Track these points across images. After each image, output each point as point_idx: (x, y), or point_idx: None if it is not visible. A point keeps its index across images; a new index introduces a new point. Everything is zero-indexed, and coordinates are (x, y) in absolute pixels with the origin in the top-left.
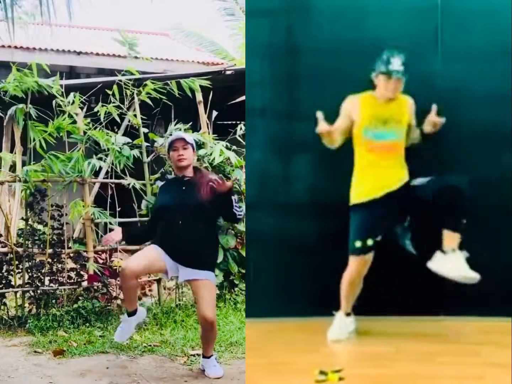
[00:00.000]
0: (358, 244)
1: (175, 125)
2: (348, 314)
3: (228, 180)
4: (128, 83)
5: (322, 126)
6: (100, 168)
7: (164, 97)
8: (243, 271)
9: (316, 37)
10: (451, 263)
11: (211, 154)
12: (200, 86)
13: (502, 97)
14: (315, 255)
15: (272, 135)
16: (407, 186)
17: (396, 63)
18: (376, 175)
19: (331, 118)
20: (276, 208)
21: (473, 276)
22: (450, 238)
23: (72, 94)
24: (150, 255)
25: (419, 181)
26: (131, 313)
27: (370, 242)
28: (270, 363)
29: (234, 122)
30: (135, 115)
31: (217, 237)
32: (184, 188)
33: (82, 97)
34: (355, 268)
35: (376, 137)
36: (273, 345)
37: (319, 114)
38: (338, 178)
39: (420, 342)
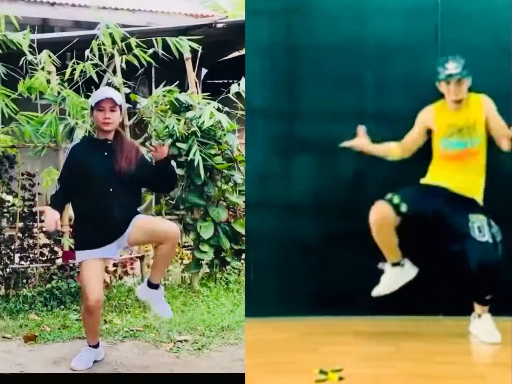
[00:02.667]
0: (396, 199)
1: (164, 86)
2: (394, 264)
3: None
4: (109, 37)
5: (359, 141)
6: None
7: (147, 53)
8: (236, 247)
9: (317, 36)
10: (484, 328)
11: (200, 117)
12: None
13: (502, 97)
14: (316, 255)
15: (272, 135)
16: (471, 203)
17: (452, 67)
18: (450, 179)
19: (332, 117)
20: (276, 208)
21: (497, 340)
22: (480, 309)
23: (45, 50)
24: (98, 272)
25: (479, 219)
26: (93, 347)
27: (404, 208)
28: (270, 363)
29: (226, 81)
30: (115, 74)
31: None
32: (106, 153)
33: (55, 54)
34: (379, 212)
35: (451, 146)
36: (273, 345)
37: (361, 129)
38: (338, 178)
39: (420, 342)
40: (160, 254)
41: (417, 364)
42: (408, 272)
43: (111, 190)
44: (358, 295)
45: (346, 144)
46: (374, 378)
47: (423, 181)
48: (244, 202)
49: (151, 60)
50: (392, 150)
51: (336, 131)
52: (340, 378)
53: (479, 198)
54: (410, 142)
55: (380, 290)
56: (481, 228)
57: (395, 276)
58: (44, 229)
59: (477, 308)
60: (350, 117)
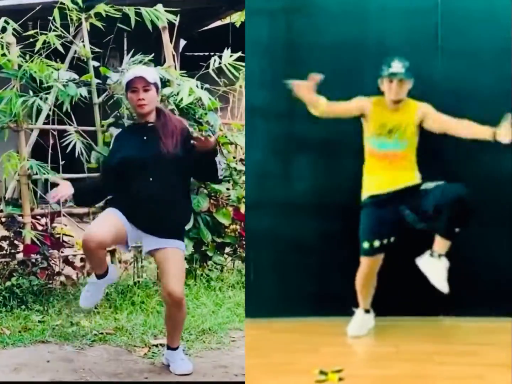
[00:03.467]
0: (365, 245)
1: (132, 56)
2: (367, 311)
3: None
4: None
5: (304, 84)
6: (40, 110)
7: (118, 17)
8: (219, 240)
9: (317, 36)
10: (434, 267)
11: (177, 94)
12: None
13: (502, 97)
14: (316, 255)
15: (272, 135)
16: (415, 189)
17: (396, 66)
18: (383, 175)
19: (332, 117)
20: (276, 208)
21: (443, 287)
22: (441, 244)
23: (3, 19)
24: (115, 221)
25: (426, 185)
26: (101, 276)
27: (377, 243)
28: (270, 363)
29: (206, 53)
30: (83, 44)
31: (190, 198)
32: (145, 138)
33: (16, 23)
34: (365, 268)
35: (380, 146)
36: (273, 345)
37: (315, 77)
38: (338, 178)
39: (420, 342)
40: (167, 316)
41: (417, 365)
42: (372, 321)
43: (150, 179)
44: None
45: (294, 82)
46: (374, 378)
47: (368, 193)
48: (227, 189)
49: (122, 26)
50: (320, 104)
51: (336, 131)
52: (340, 379)
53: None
54: (341, 107)
55: (353, 331)
56: (430, 185)
57: (365, 322)
58: (51, 192)
59: (440, 244)
60: (350, 117)
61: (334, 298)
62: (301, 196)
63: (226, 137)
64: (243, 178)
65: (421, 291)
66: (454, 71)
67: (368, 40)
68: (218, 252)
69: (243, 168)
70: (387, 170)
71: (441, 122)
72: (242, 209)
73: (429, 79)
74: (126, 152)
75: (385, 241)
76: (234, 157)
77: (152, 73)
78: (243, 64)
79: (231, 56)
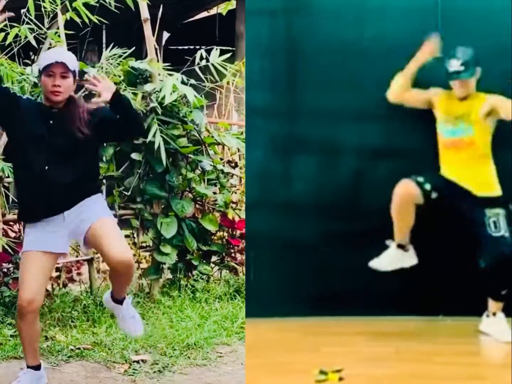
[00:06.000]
0: (420, 178)
1: (111, 49)
2: (400, 246)
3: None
4: None
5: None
6: None
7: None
8: (204, 248)
9: (317, 36)
10: (497, 326)
11: (160, 90)
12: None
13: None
14: (316, 255)
15: (272, 135)
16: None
17: (455, 64)
18: (451, 165)
19: (332, 117)
20: (276, 208)
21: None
22: (493, 305)
23: None
24: (40, 262)
25: (494, 213)
26: (35, 368)
27: (421, 179)
28: (270, 363)
29: (191, 47)
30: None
31: (98, 168)
32: (51, 122)
33: None
34: (402, 186)
35: (446, 134)
36: (273, 345)
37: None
38: (338, 178)
39: (420, 342)
40: (113, 277)
41: (417, 365)
42: (408, 259)
43: (46, 168)
44: (358, 295)
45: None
46: (374, 378)
47: (442, 172)
48: (214, 193)
49: (100, 19)
50: (407, 82)
51: (336, 131)
52: (340, 379)
53: (492, 191)
54: (414, 93)
55: (376, 264)
56: (496, 222)
57: (395, 257)
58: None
59: (492, 305)
60: (350, 117)
61: (334, 298)
62: (301, 196)
63: (212, 137)
64: (231, 181)
65: (421, 291)
66: None
67: (368, 40)
68: (204, 261)
69: (231, 170)
70: (454, 160)
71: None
72: (230, 214)
73: (429, 79)
74: (29, 130)
75: (433, 193)
76: (221, 159)
77: (73, 60)
78: (232, 62)
79: (220, 55)
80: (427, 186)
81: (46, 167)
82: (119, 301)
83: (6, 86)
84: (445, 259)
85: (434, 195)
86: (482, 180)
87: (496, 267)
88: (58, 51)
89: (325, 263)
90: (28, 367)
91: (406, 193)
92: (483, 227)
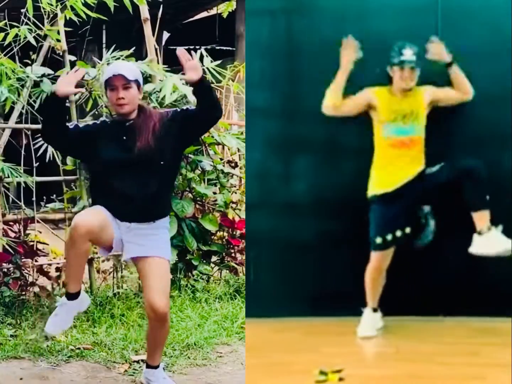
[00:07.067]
0: (378, 240)
1: (113, 51)
2: (375, 310)
3: None
4: None
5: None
6: (12, 108)
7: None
8: (205, 248)
9: (317, 36)
10: (493, 240)
11: (160, 90)
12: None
13: (502, 97)
14: (316, 255)
15: (272, 135)
16: (421, 176)
17: (408, 53)
18: (395, 169)
19: (332, 117)
20: (276, 208)
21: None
22: (481, 218)
23: None
24: (103, 215)
25: (432, 169)
26: (73, 296)
27: (389, 237)
28: (270, 363)
29: (192, 46)
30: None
31: (170, 192)
32: (125, 137)
33: None
34: (377, 264)
35: (396, 133)
36: (273, 345)
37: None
38: (338, 178)
39: (420, 342)
40: (149, 332)
41: (417, 365)
42: (378, 320)
43: (129, 180)
44: (359, 295)
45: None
46: (374, 378)
47: (376, 191)
48: (214, 193)
49: (99, 16)
50: (338, 97)
51: (336, 131)
52: (340, 379)
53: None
54: (349, 102)
55: (362, 332)
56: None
57: (374, 321)
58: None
59: (482, 218)
60: (350, 117)
61: (334, 298)
62: (301, 196)
63: (212, 137)
64: (231, 181)
65: (421, 291)
66: None
67: (368, 40)
68: (204, 261)
69: (231, 170)
70: (400, 162)
71: (448, 92)
72: (230, 214)
73: (429, 78)
74: (106, 153)
75: (398, 233)
76: (221, 159)
77: (132, 70)
78: (232, 62)
79: (220, 55)
80: (389, 237)
81: (129, 182)
82: (153, 367)
83: (73, 124)
84: (445, 259)
85: (408, 230)
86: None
87: (462, 177)
88: (115, 64)
89: (325, 263)
90: (67, 295)
91: (376, 267)
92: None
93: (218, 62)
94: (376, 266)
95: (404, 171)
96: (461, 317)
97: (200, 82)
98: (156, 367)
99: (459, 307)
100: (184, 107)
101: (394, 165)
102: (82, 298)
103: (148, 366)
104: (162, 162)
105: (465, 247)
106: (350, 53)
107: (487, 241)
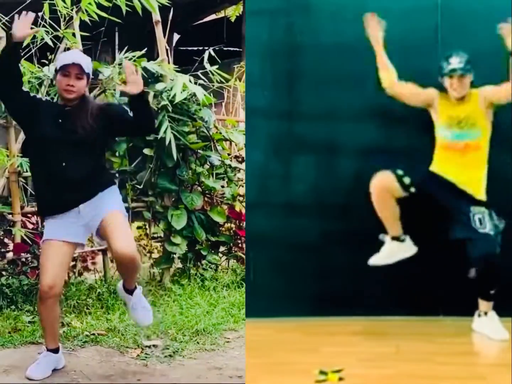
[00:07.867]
0: (400, 172)
1: (125, 52)
2: (395, 238)
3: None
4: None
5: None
6: None
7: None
8: (213, 239)
9: (317, 36)
10: (488, 325)
11: (171, 89)
12: (158, 3)
13: None
14: (316, 255)
15: (272, 135)
16: (470, 202)
17: (455, 61)
18: (447, 171)
19: (332, 117)
20: (276, 208)
21: (505, 337)
22: (483, 304)
23: None
24: (61, 251)
25: (480, 210)
26: (53, 351)
27: (400, 172)
28: (270, 363)
29: (201, 47)
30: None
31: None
32: (60, 120)
33: (3, 18)
34: (378, 178)
35: (451, 137)
36: (273, 345)
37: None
38: (338, 178)
39: (420, 342)
40: (119, 268)
41: (417, 365)
42: (407, 249)
43: (63, 164)
44: (359, 295)
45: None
46: (374, 378)
47: (431, 168)
48: (222, 187)
49: (113, 18)
50: (391, 72)
51: (336, 131)
52: (340, 379)
53: (481, 194)
54: (410, 88)
55: (377, 260)
56: (481, 220)
57: (392, 250)
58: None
59: (482, 305)
60: (350, 117)
61: (334, 298)
62: (301, 196)
63: (220, 133)
64: (238, 175)
65: (421, 291)
66: None
67: (368, 40)
68: (213, 251)
69: (238, 165)
70: (452, 166)
71: (500, 91)
72: (237, 207)
73: (429, 79)
74: (43, 130)
75: (413, 190)
76: (229, 154)
77: (88, 63)
78: (239, 62)
79: (228, 56)
80: (406, 180)
81: (63, 164)
82: (129, 291)
83: (26, 90)
84: (445, 259)
85: (413, 189)
86: (479, 185)
87: (483, 268)
88: (75, 53)
89: (325, 263)
90: (47, 350)
91: (380, 185)
92: (469, 222)
93: (216, 66)
94: (378, 184)
95: (454, 175)
96: (461, 317)
97: (138, 96)
98: (132, 291)
99: (459, 307)
100: (127, 109)
101: (446, 168)
102: (60, 355)
103: (126, 291)
104: (94, 145)
105: (465, 246)
106: (375, 27)
107: (486, 325)
